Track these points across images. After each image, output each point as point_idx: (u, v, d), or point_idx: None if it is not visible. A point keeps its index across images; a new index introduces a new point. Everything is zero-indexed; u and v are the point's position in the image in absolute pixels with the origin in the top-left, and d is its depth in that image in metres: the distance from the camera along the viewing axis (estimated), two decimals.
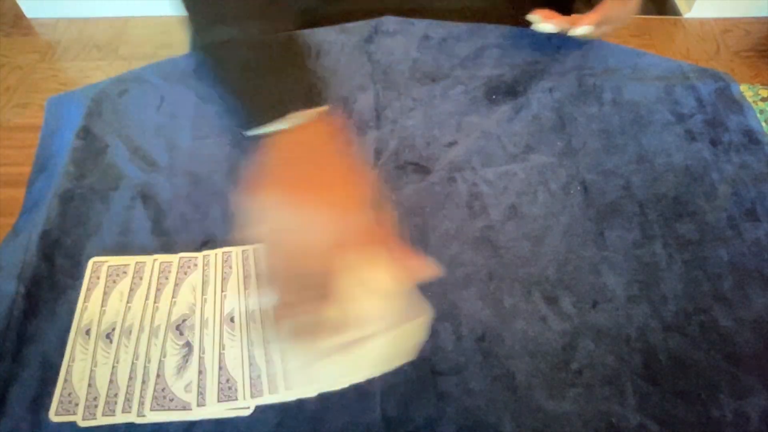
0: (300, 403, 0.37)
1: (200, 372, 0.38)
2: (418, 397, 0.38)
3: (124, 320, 0.40)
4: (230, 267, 0.43)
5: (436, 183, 0.48)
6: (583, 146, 0.50)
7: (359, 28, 0.60)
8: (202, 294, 0.41)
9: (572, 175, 0.48)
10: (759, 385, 0.38)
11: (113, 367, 0.38)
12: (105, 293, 0.42)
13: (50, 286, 0.42)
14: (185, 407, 0.37)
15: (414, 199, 0.47)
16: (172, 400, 0.37)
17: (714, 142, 0.51)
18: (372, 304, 0.32)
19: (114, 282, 0.42)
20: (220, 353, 0.39)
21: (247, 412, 0.37)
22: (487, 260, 0.44)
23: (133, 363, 0.38)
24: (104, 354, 0.39)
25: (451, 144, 0.51)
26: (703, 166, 0.49)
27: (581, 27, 0.50)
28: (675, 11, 1.76)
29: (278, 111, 0.38)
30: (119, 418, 0.36)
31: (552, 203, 0.47)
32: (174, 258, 0.43)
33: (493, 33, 0.60)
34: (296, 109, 0.38)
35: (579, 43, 0.57)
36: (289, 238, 0.33)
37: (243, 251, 0.43)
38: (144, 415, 0.36)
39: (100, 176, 0.48)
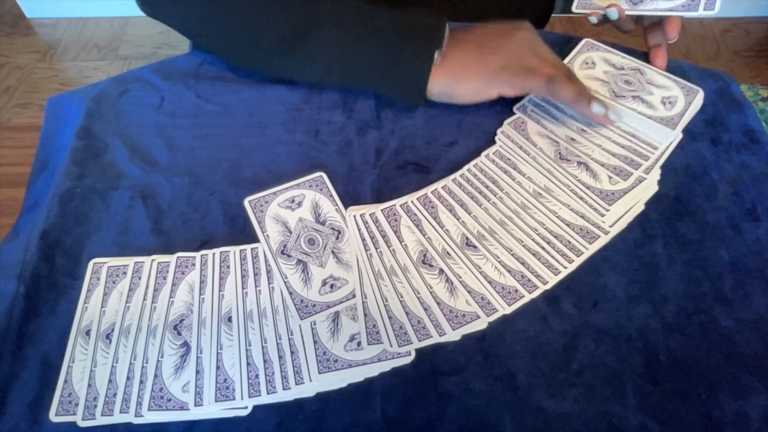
0: (300, 403, 0.37)
1: (198, 372, 0.38)
2: (418, 397, 0.37)
3: (122, 320, 0.40)
4: (228, 267, 0.43)
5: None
6: None
7: None
8: (200, 294, 0.41)
9: None
10: (759, 385, 0.38)
11: (112, 367, 0.38)
12: (105, 294, 0.42)
13: (50, 286, 0.42)
14: (183, 407, 0.37)
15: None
16: (169, 400, 0.37)
17: (714, 142, 0.51)
18: None
19: (114, 282, 0.42)
20: (217, 353, 0.39)
21: (245, 412, 0.37)
22: None
23: (131, 363, 0.38)
24: (104, 354, 0.39)
25: (451, 144, 0.51)
26: (703, 166, 0.49)
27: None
28: None
29: None
30: (117, 419, 0.36)
31: None
32: (171, 258, 0.43)
33: None
34: None
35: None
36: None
37: (241, 251, 0.43)
38: (142, 416, 0.36)
39: (100, 176, 0.49)
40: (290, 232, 0.44)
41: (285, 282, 0.41)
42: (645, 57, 0.56)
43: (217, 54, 0.55)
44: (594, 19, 0.55)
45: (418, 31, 0.48)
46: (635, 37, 0.57)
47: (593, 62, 0.55)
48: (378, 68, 0.49)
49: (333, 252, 0.43)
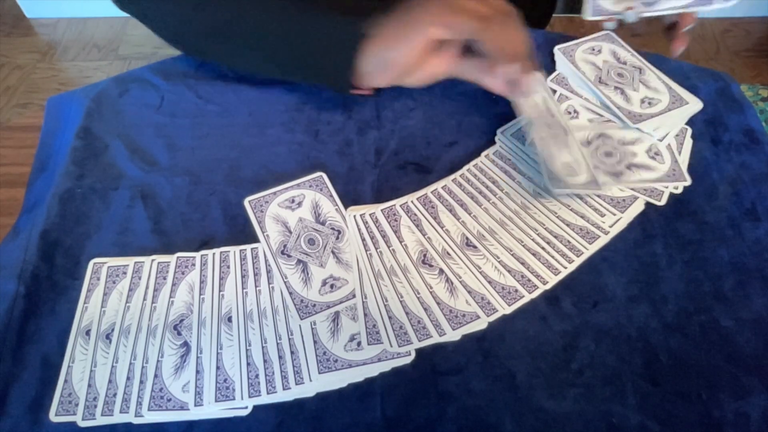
0: (300, 403, 0.37)
1: (198, 372, 0.38)
2: (418, 397, 0.37)
3: (122, 320, 0.40)
4: (228, 267, 0.43)
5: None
6: None
7: None
8: (200, 294, 0.41)
9: None
10: (759, 385, 0.38)
11: (112, 367, 0.38)
12: (105, 294, 0.42)
13: (50, 286, 0.42)
14: (183, 407, 0.37)
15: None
16: (169, 400, 0.37)
17: (714, 142, 0.51)
18: None
19: (114, 282, 0.42)
20: (217, 353, 0.39)
21: (245, 412, 0.37)
22: None
23: (131, 363, 0.38)
24: (104, 354, 0.39)
25: (451, 144, 0.51)
26: (703, 166, 0.49)
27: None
28: None
29: None
30: (117, 419, 0.36)
31: None
32: (171, 258, 0.43)
33: None
34: None
35: None
36: None
37: (241, 251, 0.43)
38: (142, 416, 0.36)
39: (100, 176, 0.49)
40: (290, 232, 0.44)
41: (285, 282, 0.41)
42: (656, 60, 0.56)
43: (176, 44, 0.54)
44: (611, 25, 0.54)
45: (346, 9, 0.46)
46: (634, 37, 0.57)
47: (599, 50, 0.55)
48: (306, 47, 0.47)
49: (333, 252, 0.43)
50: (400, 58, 0.45)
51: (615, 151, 0.48)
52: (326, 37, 0.46)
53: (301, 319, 0.40)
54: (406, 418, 0.37)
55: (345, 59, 0.46)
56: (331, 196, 0.47)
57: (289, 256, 0.43)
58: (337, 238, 0.44)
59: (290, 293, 0.41)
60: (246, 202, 0.46)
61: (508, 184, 0.47)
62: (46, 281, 0.42)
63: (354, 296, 0.41)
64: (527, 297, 0.41)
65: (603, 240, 0.44)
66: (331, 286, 0.41)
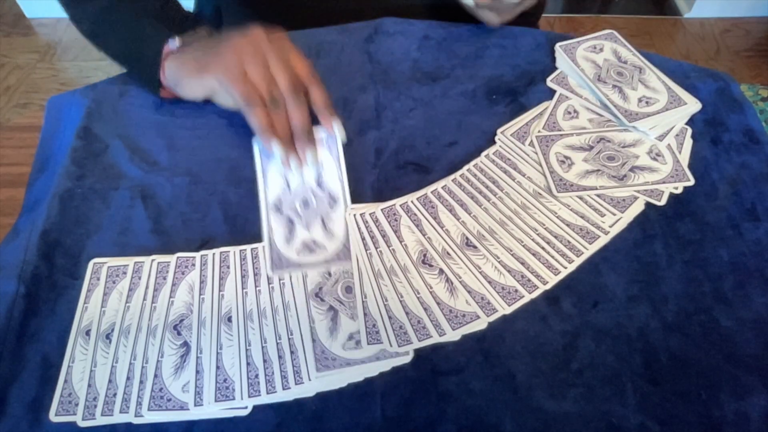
0: (300, 403, 0.37)
1: (198, 372, 0.38)
2: (418, 397, 0.37)
3: (122, 320, 0.40)
4: (228, 267, 0.43)
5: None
6: None
7: (359, 28, 0.60)
8: (200, 294, 0.41)
9: None
10: (759, 385, 0.38)
11: (112, 367, 0.38)
12: (105, 294, 0.42)
13: (50, 286, 0.42)
14: (182, 407, 0.37)
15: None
16: (169, 400, 0.37)
17: (714, 142, 0.51)
18: None
19: (113, 282, 0.42)
20: (217, 353, 0.39)
21: (244, 412, 0.37)
22: None
23: (131, 363, 0.38)
24: (104, 354, 0.39)
25: (451, 144, 0.51)
26: (703, 166, 0.49)
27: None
28: (675, 11, 1.76)
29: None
30: (117, 419, 0.36)
31: None
32: (171, 258, 0.43)
33: (493, 33, 0.60)
34: None
35: None
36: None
37: (241, 251, 0.43)
38: (142, 416, 0.36)
39: (100, 176, 0.49)
40: (289, 189, 0.46)
41: (269, 237, 0.43)
42: (658, 60, 0.56)
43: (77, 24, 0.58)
44: (470, 1, 0.54)
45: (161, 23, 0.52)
46: (634, 37, 0.57)
47: (601, 49, 0.55)
48: (126, 48, 0.53)
49: (322, 219, 0.44)
50: (187, 88, 0.51)
51: (617, 154, 0.48)
52: (142, 48, 0.52)
53: (273, 272, 0.42)
54: (406, 418, 0.37)
55: (152, 72, 0.51)
56: (339, 159, 0.47)
57: (281, 213, 0.45)
58: (331, 207, 0.45)
59: (270, 247, 0.43)
60: None
61: (508, 184, 0.47)
62: (46, 281, 0.42)
63: (328, 261, 0.43)
64: (527, 297, 0.41)
65: (603, 240, 0.44)
66: (311, 250, 0.43)
